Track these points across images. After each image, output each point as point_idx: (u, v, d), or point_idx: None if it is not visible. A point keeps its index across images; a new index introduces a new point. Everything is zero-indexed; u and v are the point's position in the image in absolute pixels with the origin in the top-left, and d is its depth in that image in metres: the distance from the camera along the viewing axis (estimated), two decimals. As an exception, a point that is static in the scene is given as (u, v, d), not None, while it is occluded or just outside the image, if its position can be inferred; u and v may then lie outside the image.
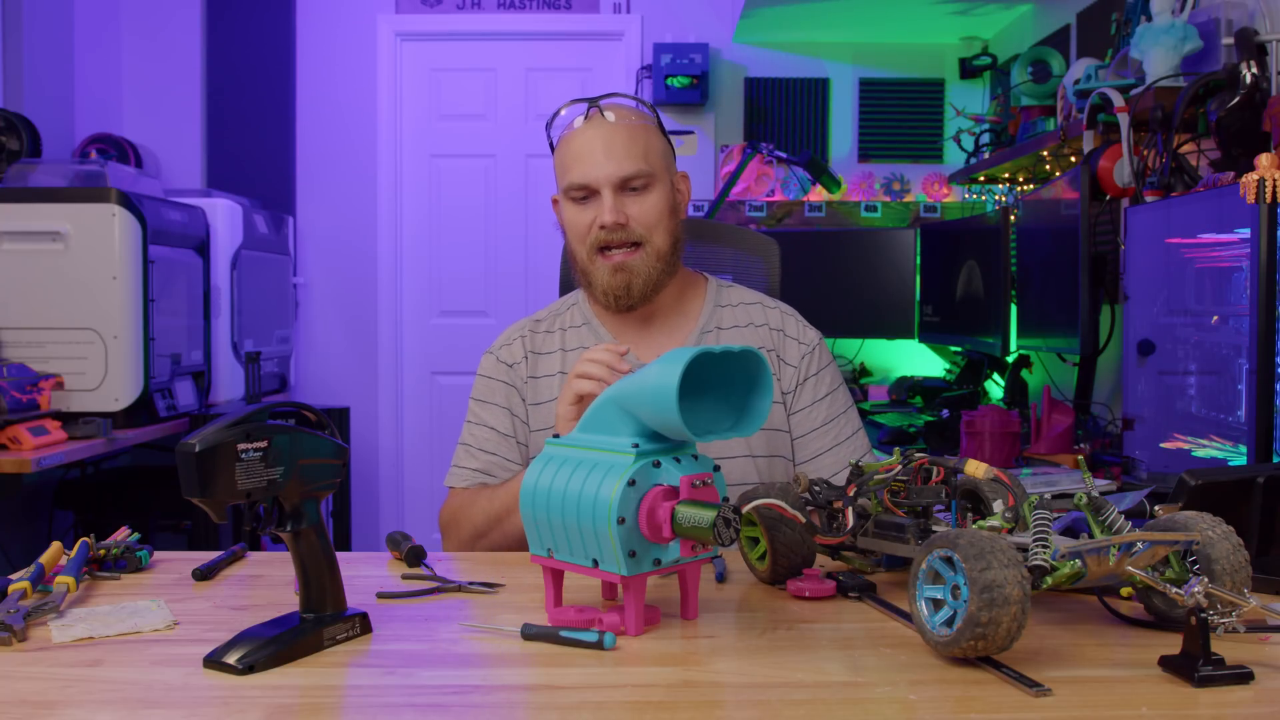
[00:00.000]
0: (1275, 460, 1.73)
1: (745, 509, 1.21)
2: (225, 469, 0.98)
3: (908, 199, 4.48)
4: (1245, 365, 1.88)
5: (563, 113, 1.67)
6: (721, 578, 1.31)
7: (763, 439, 1.69)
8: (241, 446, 0.99)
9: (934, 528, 1.15)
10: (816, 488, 1.26)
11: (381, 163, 4.62)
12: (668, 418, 1.05)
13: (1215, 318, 2.05)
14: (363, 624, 1.09)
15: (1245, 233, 1.88)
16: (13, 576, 1.23)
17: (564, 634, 1.05)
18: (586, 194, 1.62)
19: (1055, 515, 1.08)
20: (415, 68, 4.64)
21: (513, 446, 1.70)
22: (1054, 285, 2.87)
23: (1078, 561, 1.00)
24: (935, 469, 1.19)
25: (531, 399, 1.71)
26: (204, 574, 1.32)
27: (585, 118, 1.63)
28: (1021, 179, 3.64)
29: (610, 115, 1.62)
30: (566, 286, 2.08)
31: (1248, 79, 2.16)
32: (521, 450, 1.70)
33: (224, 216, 3.68)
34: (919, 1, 3.92)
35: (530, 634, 1.07)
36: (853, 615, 1.16)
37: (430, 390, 4.68)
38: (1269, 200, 1.66)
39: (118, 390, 3.01)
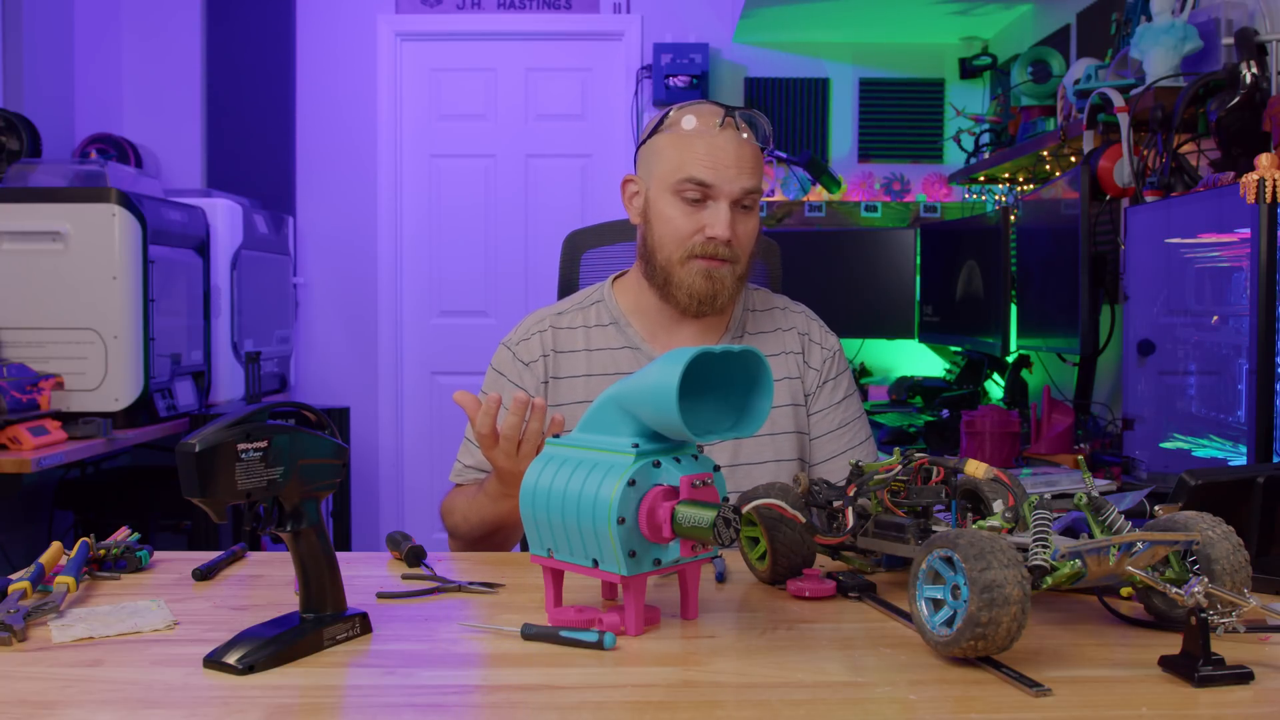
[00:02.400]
0: (1275, 460, 1.73)
1: (745, 509, 1.21)
2: (225, 469, 0.98)
3: (908, 199, 4.49)
4: (1245, 365, 1.88)
5: (696, 106, 1.62)
6: (721, 578, 1.31)
7: (792, 443, 1.70)
8: (241, 446, 0.99)
9: (934, 528, 1.15)
10: (816, 488, 1.26)
11: (381, 163, 4.62)
12: (668, 418, 1.05)
13: (1215, 318, 2.05)
14: (363, 624, 1.09)
15: (1245, 233, 1.88)
16: (13, 576, 1.23)
17: (564, 634, 1.05)
18: (702, 195, 1.58)
19: (1055, 515, 1.08)
20: (415, 68, 4.64)
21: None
22: (1054, 285, 2.87)
23: (1078, 561, 1.00)
24: (935, 469, 1.19)
25: (551, 400, 1.68)
26: (204, 574, 1.32)
27: (721, 125, 1.59)
28: (1021, 179, 3.64)
29: (744, 128, 1.60)
30: (565, 286, 2.08)
31: (1248, 79, 2.16)
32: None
33: (224, 216, 3.68)
34: (919, 1, 3.92)
35: (530, 634, 1.07)
36: (853, 615, 1.16)
37: (430, 390, 4.68)
38: (1269, 200, 1.66)
39: (118, 390, 3.01)
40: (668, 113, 1.63)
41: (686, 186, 1.58)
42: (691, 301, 1.62)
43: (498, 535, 1.60)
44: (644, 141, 1.66)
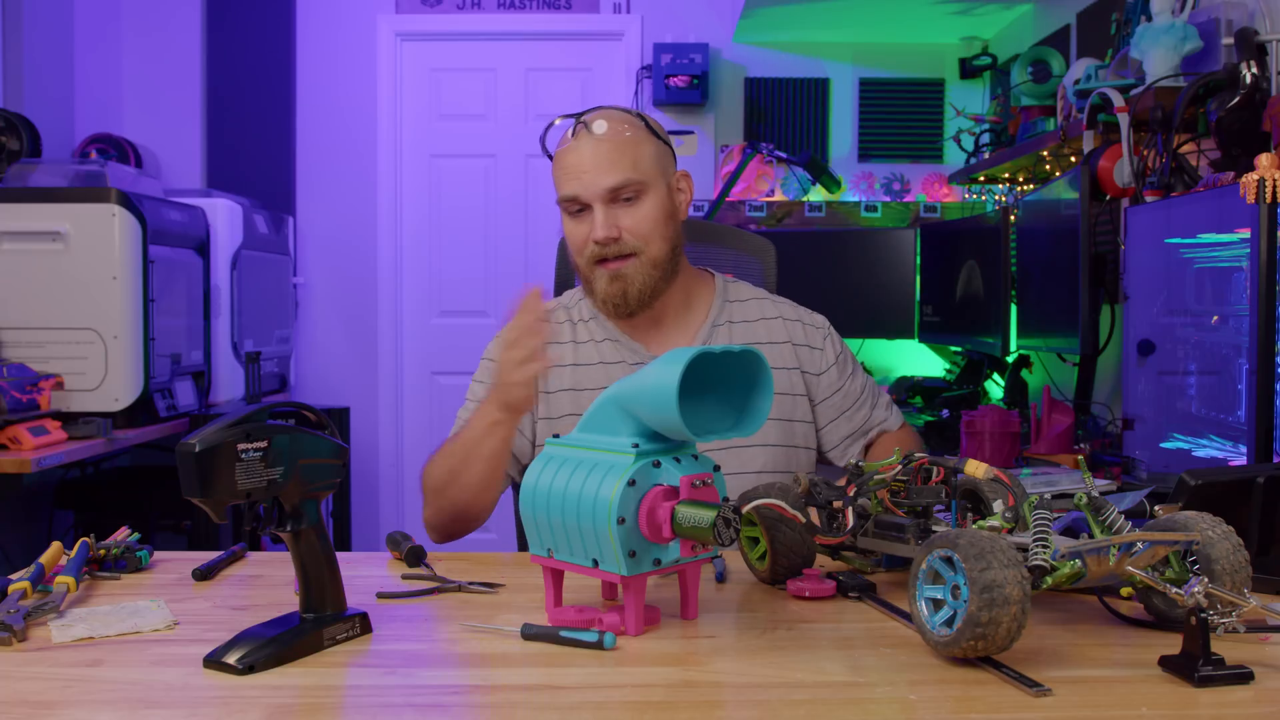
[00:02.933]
0: (1275, 460, 1.73)
1: (745, 509, 1.21)
2: (225, 469, 0.98)
3: (908, 199, 4.48)
4: (1245, 365, 1.88)
5: (555, 125, 1.70)
6: (721, 578, 1.31)
7: (785, 431, 1.71)
8: (241, 446, 0.99)
9: (934, 528, 1.15)
10: (816, 488, 1.26)
11: (381, 163, 4.62)
12: (668, 418, 1.05)
13: (1215, 318, 2.05)
14: (363, 624, 1.09)
15: (1245, 233, 1.88)
16: (13, 576, 1.23)
17: (564, 634, 1.05)
18: (579, 207, 1.64)
19: (1055, 515, 1.09)
20: (415, 68, 4.64)
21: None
22: (1054, 285, 2.87)
23: (1078, 561, 1.00)
24: (935, 469, 1.19)
25: (540, 388, 1.71)
26: (204, 574, 1.32)
27: (573, 133, 1.65)
28: (1021, 179, 3.64)
29: (597, 128, 1.63)
30: (561, 287, 2.09)
31: (1248, 79, 2.15)
32: (520, 438, 1.70)
33: (224, 216, 3.68)
34: (919, 1, 3.92)
35: (530, 634, 1.07)
36: (853, 615, 1.16)
37: (430, 390, 4.68)
38: (1269, 200, 1.66)
39: (118, 390, 3.01)
40: (543, 140, 1.71)
41: (567, 205, 1.66)
42: (608, 306, 1.67)
43: (464, 477, 1.58)
44: None
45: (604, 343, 1.72)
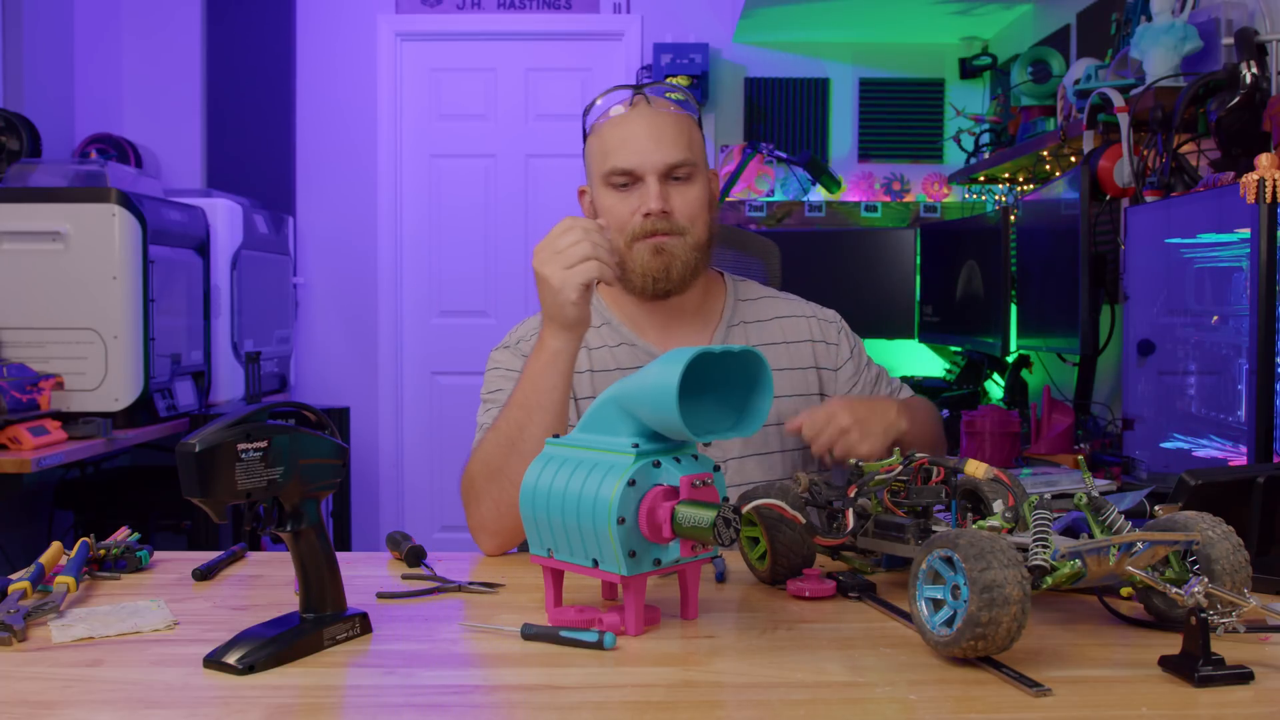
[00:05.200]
0: (1275, 460, 1.73)
1: (745, 509, 1.21)
2: (225, 469, 0.98)
3: (908, 199, 4.49)
4: (1245, 365, 1.88)
5: (601, 101, 1.62)
6: (721, 578, 1.31)
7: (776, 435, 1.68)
8: (241, 446, 0.99)
9: (934, 528, 1.15)
10: (816, 488, 1.26)
11: (381, 163, 4.62)
12: (668, 418, 1.05)
13: (1215, 318, 2.05)
14: (363, 624, 1.09)
15: (1245, 233, 1.88)
16: (13, 576, 1.23)
17: (564, 634, 1.05)
18: (630, 180, 1.57)
19: (1055, 515, 1.08)
20: (415, 68, 4.64)
21: None
22: (1054, 285, 2.87)
23: (1078, 561, 1.00)
24: (935, 469, 1.19)
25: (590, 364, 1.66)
26: (204, 574, 1.32)
27: (630, 104, 1.59)
28: (1021, 179, 3.64)
29: (656, 103, 1.59)
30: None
31: (1248, 79, 2.16)
32: None
33: (224, 216, 3.68)
34: (919, 1, 3.92)
35: (530, 634, 1.07)
36: (853, 615, 1.16)
37: (430, 390, 4.68)
38: (1269, 200, 1.66)
39: (118, 390, 3.01)
40: (586, 112, 1.64)
41: (614, 177, 1.58)
42: (647, 280, 1.59)
43: (527, 438, 1.42)
44: (584, 151, 1.68)
45: (619, 347, 1.67)
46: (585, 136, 1.66)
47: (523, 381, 1.46)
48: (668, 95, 1.62)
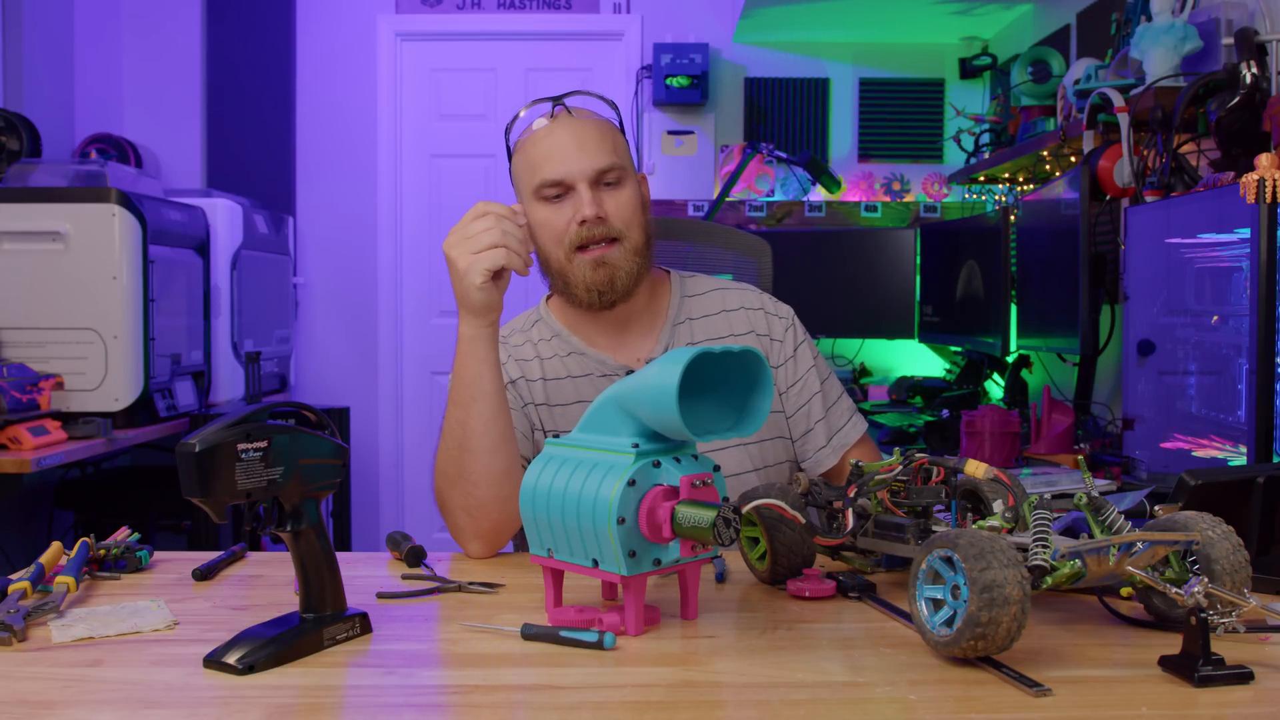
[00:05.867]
0: (1275, 460, 1.73)
1: (745, 509, 1.21)
2: (225, 469, 0.98)
3: (908, 199, 4.49)
4: (1245, 365, 1.88)
5: (523, 114, 1.63)
6: (721, 578, 1.31)
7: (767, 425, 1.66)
8: (241, 446, 0.99)
9: (934, 528, 1.15)
10: (816, 488, 1.26)
11: (381, 163, 4.62)
12: (668, 418, 1.05)
13: (1215, 318, 2.05)
14: (363, 624, 1.09)
15: (1245, 233, 1.88)
16: (13, 576, 1.23)
17: (564, 634, 1.05)
18: (561, 191, 1.57)
19: (1055, 515, 1.08)
20: (415, 68, 4.64)
21: (520, 417, 1.62)
22: (1054, 285, 2.87)
23: (1078, 561, 1.00)
24: (935, 469, 1.19)
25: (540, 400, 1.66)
26: (204, 574, 1.32)
27: (551, 116, 1.60)
28: (1021, 179, 3.64)
29: (577, 112, 1.60)
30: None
31: (1248, 79, 2.16)
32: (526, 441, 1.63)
33: (224, 216, 3.68)
34: (919, 1, 3.92)
35: (530, 634, 1.07)
36: (853, 615, 1.16)
37: (430, 390, 4.68)
38: (1269, 200, 1.66)
39: (118, 390, 3.01)
40: (508, 131, 1.64)
41: (545, 189, 1.57)
42: (592, 294, 1.58)
43: (471, 432, 1.42)
44: (510, 171, 1.66)
45: (570, 357, 1.66)
46: (510, 156, 1.65)
47: (452, 379, 1.47)
48: (587, 102, 1.62)
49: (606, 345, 1.66)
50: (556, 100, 1.60)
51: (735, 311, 1.71)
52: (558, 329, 1.69)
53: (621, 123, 1.66)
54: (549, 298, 1.75)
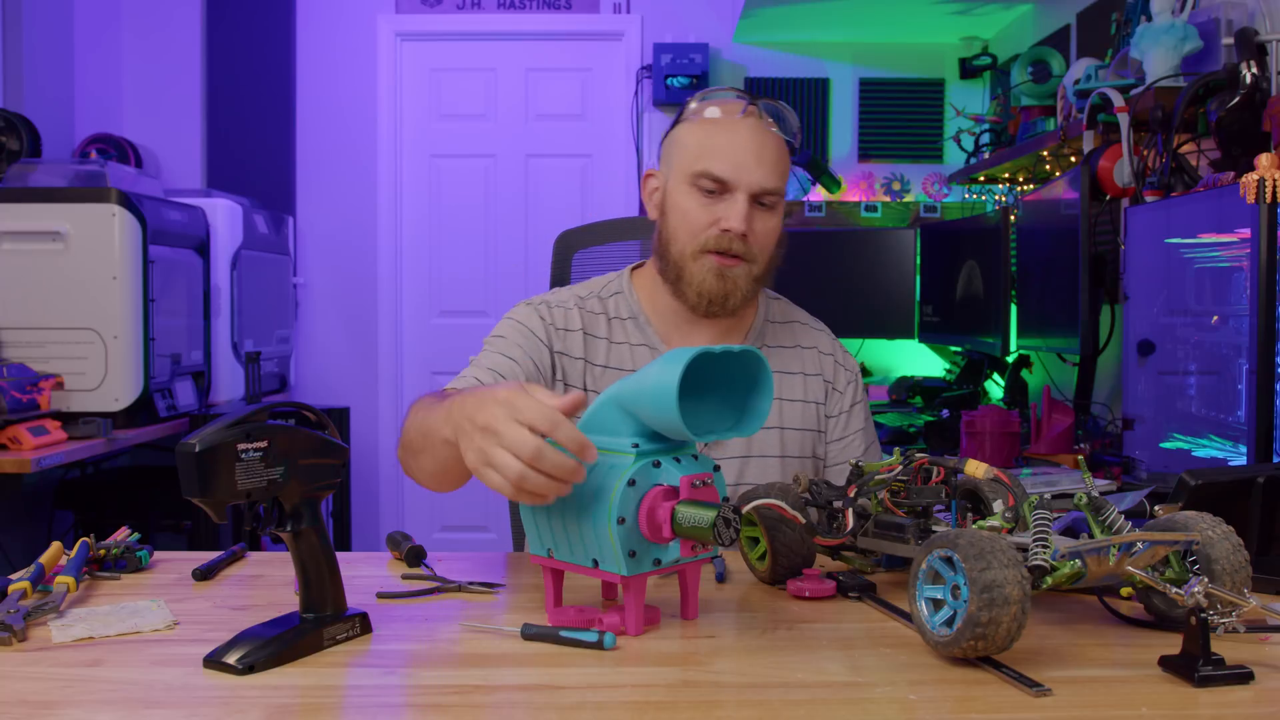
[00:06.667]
0: (1275, 460, 1.73)
1: (745, 509, 1.21)
2: (225, 469, 0.98)
3: (908, 199, 4.49)
4: (1245, 365, 1.88)
5: (713, 94, 1.57)
6: (721, 578, 1.31)
7: (807, 468, 1.65)
8: (241, 446, 0.99)
9: (934, 528, 1.15)
10: (816, 488, 1.26)
11: (381, 163, 4.62)
12: (668, 418, 1.04)
13: (1215, 318, 2.05)
14: (363, 624, 1.09)
15: (1245, 233, 1.88)
16: (13, 576, 1.23)
17: (564, 634, 1.05)
18: (719, 189, 1.52)
19: (1055, 515, 1.08)
20: (415, 68, 4.64)
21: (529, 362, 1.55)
22: (1054, 285, 2.87)
23: (1078, 561, 1.00)
24: (935, 469, 1.19)
25: (572, 378, 1.60)
26: (204, 574, 1.32)
27: (743, 115, 1.54)
28: (1021, 179, 3.64)
29: (765, 120, 1.55)
30: (557, 285, 2.05)
31: (1248, 79, 2.16)
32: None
33: (224, 216, 3.68)
34: (919, 1, 3.92)
35: (530, 634, 1.07)
36: (853, 615, 1.16)
37: (430, 390, 4.67)
38: (1269, 200, 1.66)
39: (118, 390, 3.01)
40: (689, 101, 1.58)
41: (703, 180, 1.52)
42: (701, 300, 1.55)
43: (424, 462, 1.33)
44: (667, 133, 1.61)
45: (640, 347, 1.62)
46: (675, 122, 1.60)
47: (425, 418, 1.28)
48: (780, 116, 1.57)
49: (679, 344, 1.62)
50: (754, 99, 1.55)
51: (809, 350, 1.70)
52: (637, 312, 1.64)
53: (791, 148, 1.62)
54: (635, 269, 1.69)
